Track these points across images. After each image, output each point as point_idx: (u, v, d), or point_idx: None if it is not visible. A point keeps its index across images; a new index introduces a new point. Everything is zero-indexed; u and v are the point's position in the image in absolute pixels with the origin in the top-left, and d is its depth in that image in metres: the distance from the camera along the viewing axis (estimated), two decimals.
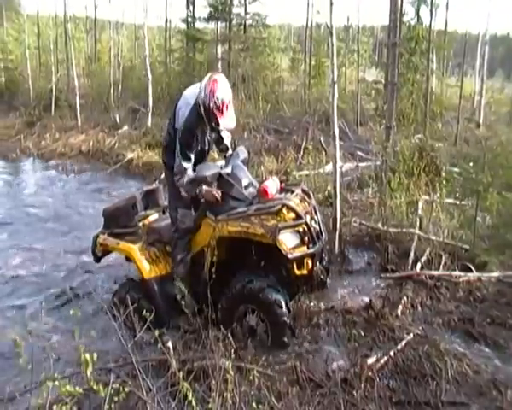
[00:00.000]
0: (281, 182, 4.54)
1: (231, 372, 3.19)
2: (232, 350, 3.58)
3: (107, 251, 5.03)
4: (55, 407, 2.85)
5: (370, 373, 3.68)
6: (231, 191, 4.25)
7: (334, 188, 5.93)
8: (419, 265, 5.40)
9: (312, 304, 4.80)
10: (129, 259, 4.85)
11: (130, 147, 11.60)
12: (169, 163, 4.36)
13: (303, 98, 13.58)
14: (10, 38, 20.33)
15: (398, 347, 3.99)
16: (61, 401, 2.94)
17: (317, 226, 4.28)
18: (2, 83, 17.47)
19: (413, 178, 6.89)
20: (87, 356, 2.78)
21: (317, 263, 4.30)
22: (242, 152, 4.55)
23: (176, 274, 4.38)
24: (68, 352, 3.99)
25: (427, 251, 5.57)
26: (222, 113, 3.94)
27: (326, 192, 7.15)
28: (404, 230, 5.99)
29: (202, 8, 15.48)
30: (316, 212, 4.42)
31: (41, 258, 6.53)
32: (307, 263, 4.05)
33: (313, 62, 15.71)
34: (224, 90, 3.94)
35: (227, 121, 4.03)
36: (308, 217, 4.15)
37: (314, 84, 14.80)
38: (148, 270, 4.56)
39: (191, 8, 15.89)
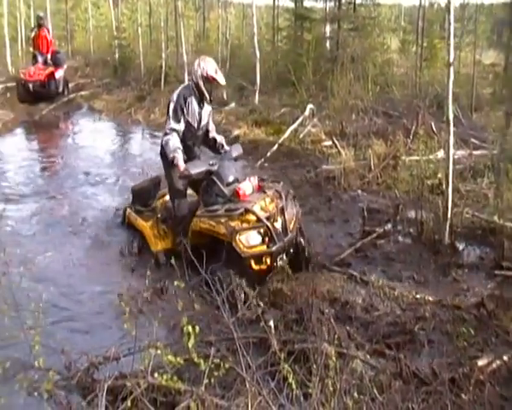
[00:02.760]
0: (261, 181, 5.08)
1: (334, 359, 3.11)
2: (335, 335, 3.50)
3: (131, 223, 5.90)
4: (156, 374, 2.95)
5: (481, 376, 3.43)
6: (214, 188, 4.90)
7: (447, 176, 5.63)
8: None
9: (418, 296, 4.61)
10: None
11: (236, 124, 11.63)
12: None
13: (414, 81, 12.99)
14: (124, 18, 21.28)
15: None
16: (162, 368, 3.03)
17: (279, 227, 4.69)
18: (116, 59, 18.27)
19: None
20: (189, 328, 2.83)
21: (280, 259, 4.74)
22: (236, 149, 5.31)
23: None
24: (169, 321, 4.14)
25: None
26: (216, 73, 4.99)
27: (437, 180, 6.80)
28: None
29: None
30: (283, 212, 4.79)
31: None
32: (266, 260, 4.60)
33: (425, 44, 14.96)
34: (211, 62, 5.08)
35: (221, 78, 5.04)
36: (271, 219, 4.61)
37: (426, 67, 14.10)
38: (154, 244, 5.37)
39: None
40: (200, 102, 5.14)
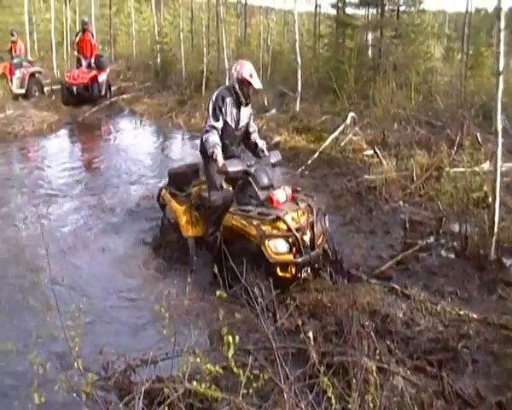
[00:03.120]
0: (295, 191, 5.18)
1: (374, 374, 3.02)
2: (375, 350, 3.41)
3: (164, 203, 6.09)
4: (194, 382, 2.91)
5: None
6: (248, 189, 5.00)
7: (493, 189, 5.45)
8: None
9: (462, 313, 4.45)
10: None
11: (277, 130, 11.51)
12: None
13: (458, 90, 12.69)
14: (166, 23, 21.56)
15: None
16: (199, 374, 2.99)
17: (307, 240, 4.78)
18: (158, 63, 18.49)
19: None
20: (230, 338, 2.79)
21: (305, 270, 4.86)
22: (275, 156, 5.45)
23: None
24: (208, 327, 4.12)
25: None
26: (252, 77, 5.13)
27: (482, 193, 6.60)
28: None
29: None
30: (313, 227, 4.87)
31: None
32: (291, 269, 4.72)
33: (470, 51, 14.57)
34: (248, 66, 5.20)
35: (256, 81, 5.17)
36: (301, 231, 4.71)
37: (471, 76, 13.75)
38: (186, 229, 5.48)
39: None
40: (238, 104, 5.29)
